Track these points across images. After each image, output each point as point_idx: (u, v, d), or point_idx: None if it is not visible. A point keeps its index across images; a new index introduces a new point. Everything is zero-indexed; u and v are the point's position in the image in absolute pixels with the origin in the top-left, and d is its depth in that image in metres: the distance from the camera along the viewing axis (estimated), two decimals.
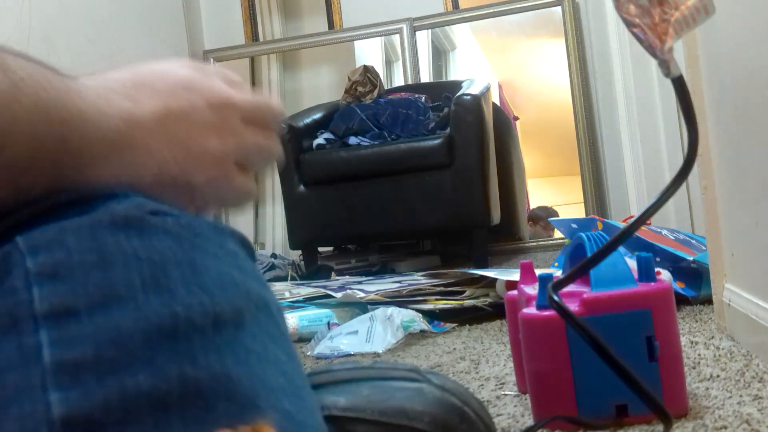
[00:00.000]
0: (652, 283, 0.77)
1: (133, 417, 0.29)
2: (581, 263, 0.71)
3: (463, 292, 1.66)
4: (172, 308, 0.32)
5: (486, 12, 3.27)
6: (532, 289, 0.82)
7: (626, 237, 0.70)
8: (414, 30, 3.29)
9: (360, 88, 2.91)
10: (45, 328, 0.30)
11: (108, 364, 0.30)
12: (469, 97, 2.60)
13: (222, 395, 0.31)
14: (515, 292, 0.89)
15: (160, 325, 0.31)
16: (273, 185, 3.35)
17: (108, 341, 0.30)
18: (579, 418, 0.74)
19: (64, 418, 0.28)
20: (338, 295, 1.71)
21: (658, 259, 1.57)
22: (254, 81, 3.57)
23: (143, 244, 0.33)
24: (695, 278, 1.50)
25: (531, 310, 0.76)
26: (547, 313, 0.74)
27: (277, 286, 2.09)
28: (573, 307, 0.73)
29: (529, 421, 0.78)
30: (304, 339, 1.49)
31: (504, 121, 3.05)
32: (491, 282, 1.63)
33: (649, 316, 0.74)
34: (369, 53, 3.44)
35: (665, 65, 0.61)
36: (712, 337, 1.12)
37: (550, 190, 3.63)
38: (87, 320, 0.30)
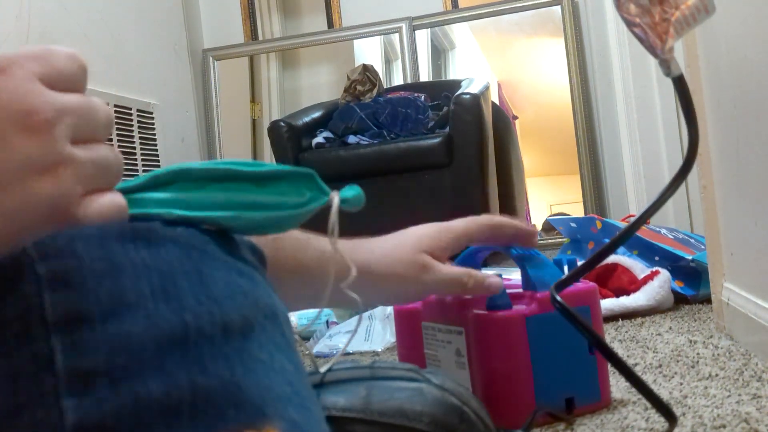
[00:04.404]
0: (589, 283, 0.84)
1: (145, 424, 0.29)
2: (583, 264, 0.71)
3: None
4: (182, 317, 0.32)
5: (485, 11, 3.27)
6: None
7: (627, 237, 0.70)
8: (413, 29, 3.29)
9: (359, 87, 2.91)
10: (57, 335, 0.30)
11: (120, 371, 0.30)
12: (468, 96, 2.60)
13: (231, 403, 0.31)
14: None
15: (171, 334, 0.31)
16: None
17: (120, 349, 0.30)
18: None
19: (77, 426, 0.29)
20: None
21: (657, 258, 1.57)
22: (253, 80, 3.57)
23: (151, 254, 0.33)
24: (694, 277, 1.51)
25: (483, 311, 0.77)
26: (505, 312, 0.76)
27: None
28: (527, 306, 0.77)
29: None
30: (303, 338, 1.49)
31: (503, 121, 3.05)
32: None
33: (589, 313, 0.80)
34: (368, 52, 3.44)
35: (666, 65, 0.61)
36: (711, 336, 1.12)
37: (550, 189, 3.63)
38: (99, 327, 0.31)
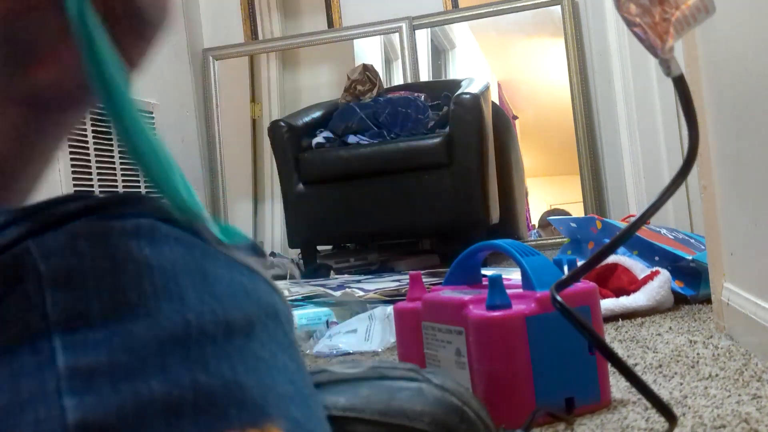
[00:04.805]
0: (589, 283, 0.84)
1: (147, 423, 0.29)
2: (583, 264, 0.71)
3: None
4: (184, 316, 0.32)
5: (485, 11, 3.27)
6: (459, 293, 0.84)
7: (627, 237, 0.70)
8: (413, 29, 3.29)
9: (359, 87, 2.91)
10: (58, 334, 0.30)
11: (122, 370, 0.30)
12: (468, 96, 2.60)
13: (234, 403, 0.31)
14: (405, 302, 0.91)
15: (173, 333, 0.31)
16: (272, 184, 3.35)
17: (121, 347, 0.30)
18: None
19: (79, 424, 0.28)
20: (337, 293, 1.71)
21: (657, 258, 1.57)
22: (253, 79, 3.57)
23: (154, 252, 0.33)
24: (694, 277, 1.50)
25: (483, 311, 0.77)
26: (504, 312, 0.76)
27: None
28: (527, 306, 0.77)
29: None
30: (303, 338, 1.49)
31: (503, 121, 3.05)
32: None
33: (589, 313, 0.80)
34: (368, 52, 3.44)
35: (666, 64, 0.61)
36: (711, 336, 1.12)
37: (549, 189, 3.63)
38: (100, 326, 0.31)
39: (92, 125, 2.53)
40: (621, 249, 1.56)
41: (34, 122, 0.39)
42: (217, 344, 0.32)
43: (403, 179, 2.61)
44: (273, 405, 0.32)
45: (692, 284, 1.50)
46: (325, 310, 1.59)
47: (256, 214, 3.44)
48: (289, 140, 2.72)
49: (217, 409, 0.30)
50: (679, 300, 1.48)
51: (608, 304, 1.38)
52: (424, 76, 3.32)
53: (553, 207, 3.50)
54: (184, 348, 0.31)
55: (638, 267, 1.51)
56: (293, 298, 1.77)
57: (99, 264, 0.32)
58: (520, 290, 0.82)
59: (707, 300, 1.34)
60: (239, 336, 0.33)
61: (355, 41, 3.44)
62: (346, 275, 2.45)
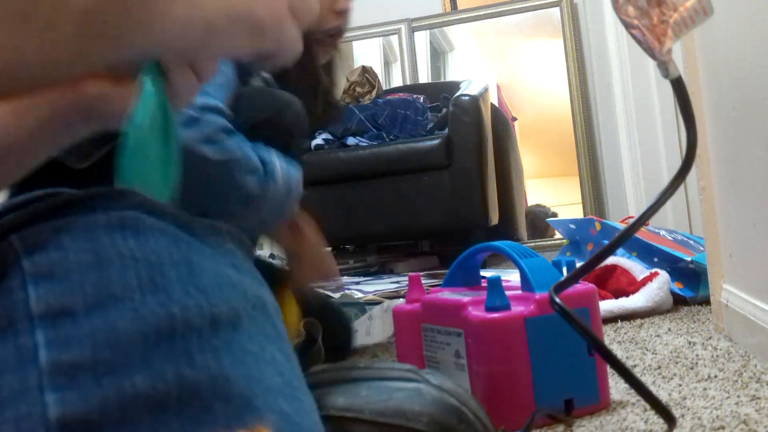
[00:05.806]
0: (588, 284, 0.83)
1: (130, 418, 0.29)
2: (582, 265, 0.71)
3: None
4: (169, 309, 0.32)
5: (484, 13, 3.27)
6: (458, 295, 0.84)
7: (626, 238, 0.70)
8: (412, 31, 3.30)
9: (358, 89, 2.91)
10: (41, 329, 0.30)
11: (105, 365, 0.30)
12: (467, 97, 2.60)
13: (219, 396, 0.31)
14: (404, 304, 0.91)
15: (157, 326, 0.31)
16: None
17: (104, 342, 0.30)
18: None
19: (60, 420, 0.28)
20: (336, 295, 1.71)
21: (656, 259, 1.57)
22: None
23: (139, 245, 0.33)
24: (693, 279, 1.51)
25: (482, 313, 0.77)
26: (503, 314, 0.76)
27: None
28: (526, 307, 0.77)
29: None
30: None
31: (502, 122, 3.05)
32: None
33: (588, 314, 0.80)
34: (367, 54, 3.44)
35: (664, 66, 0.61)
36: (710, 338, 1.12)
37: (548, 190, 3.63)
38: (83, 321, 0.30)
39: None
40: (620, 250, 1.57)
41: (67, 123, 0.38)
42: (203, 337, 0.32)
43: (402, 181, 2.61)
44: (261, 398, 0.32)
45: (691, 285, 1.50)
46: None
47: None
48: None
49: (202, 403, 0.30)
50: (678, 301, 1.48)
51: (607, 305, 1.38)
52: (423, 77, 3.32)
53: (534, 204, 3.48)
54: (169, 341, 0.31)
55: (637, 268, 1.51)
56: None
57: (82, 258, 0.32)
58: (519, 292, 0.82)
59: (706, 301, 1.34)
60: (226, 328, 0.33)
61: (354, 43, 3.44)
62: (345, 277, 2.45)
